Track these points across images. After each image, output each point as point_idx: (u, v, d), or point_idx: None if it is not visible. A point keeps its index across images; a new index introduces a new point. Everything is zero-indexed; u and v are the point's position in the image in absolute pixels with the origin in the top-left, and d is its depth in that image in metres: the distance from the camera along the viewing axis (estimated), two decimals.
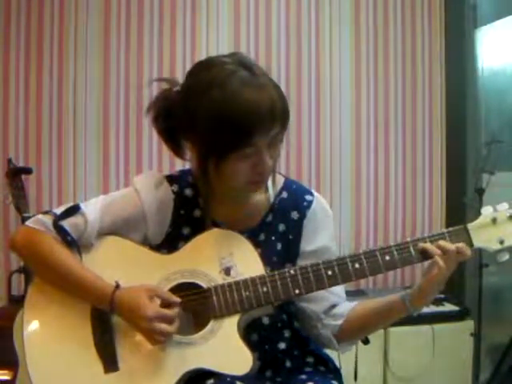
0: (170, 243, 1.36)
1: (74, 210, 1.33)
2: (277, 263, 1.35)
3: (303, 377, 1.37)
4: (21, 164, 2.77)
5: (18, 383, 2.15)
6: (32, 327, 1.32)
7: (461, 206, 3.01)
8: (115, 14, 3.00)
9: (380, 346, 2.79)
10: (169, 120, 1.32)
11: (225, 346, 1.27)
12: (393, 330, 2.78)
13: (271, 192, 1.40)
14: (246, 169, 1.26)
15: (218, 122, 1.21)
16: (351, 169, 3.22)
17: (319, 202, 1.43)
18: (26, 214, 2.31)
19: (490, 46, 3.19)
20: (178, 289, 1.31)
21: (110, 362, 1.28)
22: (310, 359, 1.43)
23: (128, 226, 1.36)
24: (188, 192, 1.39)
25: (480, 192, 2.74)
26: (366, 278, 2.08)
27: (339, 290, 1.40)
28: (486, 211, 1.30)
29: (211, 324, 1.28)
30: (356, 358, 1.53)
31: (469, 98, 3.21)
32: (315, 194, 1.44)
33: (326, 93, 3.19)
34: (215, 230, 1.34)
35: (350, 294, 1.47)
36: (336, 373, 1.44)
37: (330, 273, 1.28)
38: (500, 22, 3.12)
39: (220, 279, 1.30)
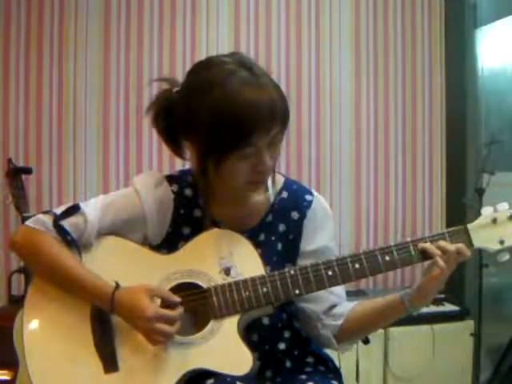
0: (169, 243, 1.36)
1: (73, 210, 1.33)
2: (277, 263, 1.35)
3: (303, 377, 1.37)
4: (21, 164, 2.77)
5: (18, 383, 2.15)
6: (32, 327, 1.32)
7: (461, 206, 3.00)
8: (115, 13, 3.00)
9: (380, 346, 2.79)
10: (169, 120, 1.32)
11: (225, 346, 1.27)
12: (393, 329, 2.78)
13: (271, 192, 1.40)
14: (245, 169, 1.26)
15: (218, 122, 1.21)
16: (351, 169, 3.22)
17: (319, 202, 1.42)
18: (25, 214, 2.31)
19: (490, 46, 3.19)
20: (177, 289, 1.31)
21: (109, 362, 1.28)
22: (310, 359, 1.43)
23: (128, 226, 1.36)
24: (188, 192, 1.39)
25: (480, 192, 2.74)
26: (366, 278, 2.08)
27: (339, 290, 1.40)
28: (486, 211, 1.30)
29: (211, 324, 1.28)
30: (357, 358, 1.53)
31: (469, 97, 3.21)
32: (315, 193, 1.44)
33: (325, 93, 3.19)
34: (215, 230, 1.34)
35: (350, 294, 1.47)
36: (336, 373, 1.44)
37: (330, 273, 1.28)
38: (500, 22, 3.12)
39: (220, 279, 1.30)
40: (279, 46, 3.14)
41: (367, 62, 3.23)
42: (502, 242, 1.28)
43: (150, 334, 1.24)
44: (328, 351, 1.46)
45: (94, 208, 1.35)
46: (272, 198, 1.40)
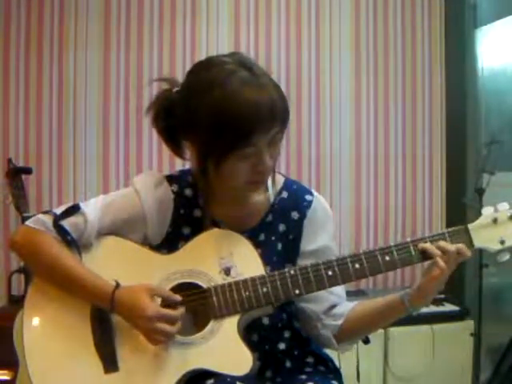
0: (169, 243, 1.36)
1: (73, 210, 1.33)
2: (277, 263, 1.35)
3: (303, 377, 1.37)
4: (21, 164, 2.77)
5: (18, 383, 2.15)
6: (32, 327, 1.32)
7: (461, 205, 3.00)
8: (115, 13, 3.00)
9: (380, 346, 2.80)
10: (169, 120, 1.32)
11: (225, 346, 1.27)
12: (393, 329, 2.78)
13: (271, 192, 1.40)
14: (245, 168, 1.26)
15: (218, 122, 1.21)
16: (351, 169, 3.22)
17: (319, 202, 1.42)
18: (25, 214, 2.31)
19: (490, 46, 3.19)
20: (177, 289, 1.31)
21: (109, 362, 1.28)
22: (310, 359, 1.43)
23: (128, 226, 1.36)
24: (188, 192, 1.38)
25: (480, 192, 2.74)
26: (366, 278, 2.08)
27: (339, 290, 1.40)
28: (487, 211, 1.30)
29: (211, 324, 1.28)
30: (357, 358, 1.53)
31: (469, 97, 3.21)
32: (315, 193, 1.44)
33: (325, 93, 3.19)
34: (215, 230, 1.34)
35: (350, 294, 1.47)
36: (336, 373, 1.44)
37: (330, 273, 1.28)
38: (500, 22, 3.12)
39: (220, 279, 1.30)
40: (279, 45, 3.14)
41: (367, 62, 3.23)
42: (502, 242, 1.27)
43: (151, 334, 1.24)
44: (328, 351, 1.46)
45: (94, 208, 1.35)
46: (272, 198, 1.40)
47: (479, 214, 1.30)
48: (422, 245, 1.27)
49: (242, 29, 3.11)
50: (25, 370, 1.29)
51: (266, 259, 1.33)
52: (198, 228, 1.35)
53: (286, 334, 1.41)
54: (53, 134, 2.96)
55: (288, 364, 1.39)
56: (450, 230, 1.29)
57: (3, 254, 2.88)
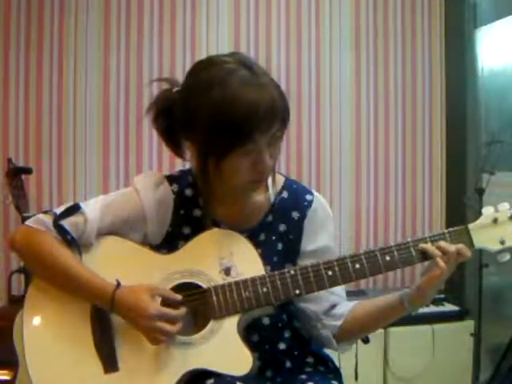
0: (170, 243, 1.36)
1: (74, 210, 1.33)
2: (277, 263, 1.35)
3: (303, 377, 1.37)
4: (21, 164, 2.78)
5: (18, 383, 2.15)
6: (32, 327, 1.32)
7: (461, 205, 3.00)
8: (115, 13, 3.00)
9: (380, 346, 2.80)
10: (169, 120, 1.32)
11: (225, 346, 1.27)
12: (393, 330, 2.79)
13: (271, 192, 1.40)
14: (246, 168, 1.26)
15: (218, 122, 1.21)
16: (351, 169, 3.22)
17: (319, 202, 1.42)
18: (25, 214, 2.30)
19: (490, 46, 3.19)
20: (177, 289, 1.30)
21: (109, 362, 1.28)
22: (310, 359, 1.43)
23: (128, 226, 1.36)
24: (188, 192, 1.38)
25: (480, 192, 2.74)
26: (367, 279, 2.08)
27: (339, 289, 1.40)
28: (487, 211, 1.29)
29: (211, 324, 1.28)
30: (356, 358, 1.53)
31: (469, 98, 3.21)
32: (315, 193, 1.44)
33: (325, 93, 3.19)
34: (215, 230, 1.34)
35: (350, 294, 1.47)
36: (336, 373, 1.44)
37: (330, 273, 1.28)
38: (500, 22, 3.12)
39: (220, 279, 1.30)
40: (279, 45, 3.14)
41: (367, 62, 3.23)
42: (502, 242, 1.27)
43: (151, 333, 1.24)
44: (328, 351, 1.46)
45: (94, 208, 1.35)
46: (272, 198, 1.40)
47: (479, 214, 1.30)
48: (422, 245, 1.27)
49: (242, 29, 3.11)
50: (25, 369, 1.29)
51: (266, 259, 1.33)
52: (198, 228, 1.35)
53: (286, 334, 1.41)
54: (53, 134, 2.96)
55: (288, 364, 1.39)
56: (450, 230, 1.29)
57: (3, 254, 2.87)
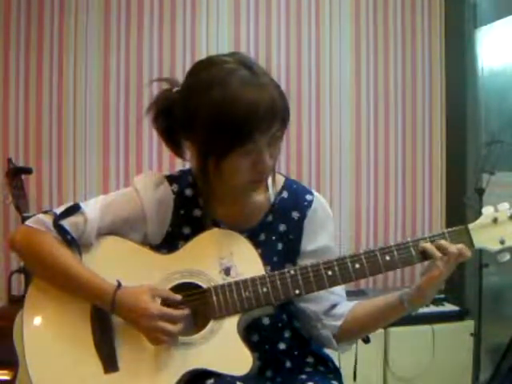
0: (169, 243, 1.36)
1: (74, 210, 1.33)
2: (277, 263, 1.35)
3: (303, 377, 1.37)
4: (21, 164, 2.78)
5: (18, 383, 2.15)
6: (32, 327, 1.32)
7: (461, 205, 3.00)
8: (115, 13, 3.00)
9: (380, 346, 2.80)
10: (169, 120, 1.32)
11: (225, 346, 1.26)
12: (393, 330, 2.79)
13: (271, 192, 1.40)
14: (246, 168, 1.26)
15: (218, 122, 1.20)
16: (351, 169, 3.22)
17: (319, 202, 1.42)
18: (25, 214, 2.31)
19: (490, 46, 3.19)
20: (177, 289, 1.30)
21: (109, 363, 1.28)
22: (310, 359, 1.43)
23: (128, 226, 1.36)
24: (188, 192, 1.38)
25: (480, 192, 2.74)
26: (366, 278, 2.08)
27: (339, 289, 1.40)
28: (487, 211, 1.29)
29: (211, 324, 1.28)
30: (355, 358, 1.53)
31: (469, 98, 3.21)
32: (315, 193, 1.44)
33: (325, 93, 3.19)
34: (215, 230, 1.34)
35: (350, 294, 1.47)
36: (336, 373, 1.44)
37: (330, 273, 1.28)
38: (500, 22, 3.12)
39: (220, 279, 1.30)
40: (279, 45, 3.14)
41: (367, 62, 3.23)
42: (502, 242, 1.27)
43: (152, 333, 1.24)
44: (328, 351, 1.46)
45: (94, 208, 1.35)
46: (272, 198, 1.40)
47: (479, 214, 1.30)
48: (422, 245, 1.27)
49: (242, 28, 3.11)
50: (25, 369, 1.29)
51: (266, 259, 1.33)
52: (198, 228, 1.35)
53: (286, 334, 1.41)
54: (53, 134, 2.96)
55: (288, 364, 1.39)
56: (449, 230, 1.28)
57: (3, 254, 2.87)
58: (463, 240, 1.27)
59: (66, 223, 1.32)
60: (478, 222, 1.29)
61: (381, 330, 2.74)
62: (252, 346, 1.27)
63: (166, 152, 1.40)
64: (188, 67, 1.32)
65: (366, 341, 1.46)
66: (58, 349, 1.30)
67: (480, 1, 3.22)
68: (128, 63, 3.02)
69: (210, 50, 3.04)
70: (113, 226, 1.36)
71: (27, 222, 1.35)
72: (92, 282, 1.29)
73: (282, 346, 1.39)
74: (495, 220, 1.28)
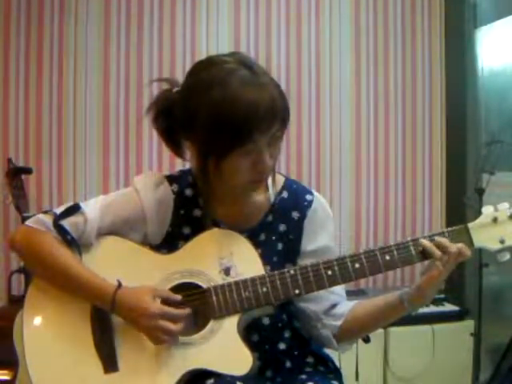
0: (169, 243, 1.36)
1: (74, 210, 1.33)
2: (277, 263, 1.35)
3: (303, 377, 1.37)
4: (21, 164, 2.78)
5: (18, 383, 2.15)
6: (32, 327, 1.32)
7: (461, 205, 3.00)
8: (115, 13, 3.00)
9: (380, 345, 2.80)
10: (169, 120, 1.32)
11: (225, 346, 1.26)
12: (393, 330, 2.79)
13: (271, 192, 1.40)
14: (246, 167, 1.26)
15: (219, 121, 1.20)
16: (351, 169, 3.22)
17: (319, 202, 1.42)
18: (25, 214, 2.31)
19: (490, 46, 3.19)
20: (177, 289, 1.31)
21: (109, 363, 1.28)
22: (310, 359, 1.43)
23: (128, 226, 1.36)
24: (188, 192, 1.38)
25: (480, 192, 2.74)
26: (366, 278, 2.08)
27: (339, 289, 1.40)
28: (487, 210, 1.29)
29: (211, 324, 1.28)
30: (357, 358, 1.53)
31: (469, 98, 3.21)
32: (315, 193, 1.44)
33: (325, 93, 3.19)
34: (215, 230, 1.34)
35: (350, 294, 1.47)
36: (336, 373, 1.44)
37: (329, 273, 1.28)
38: (500, 22, 3.12)
39: (220, 279, 1.30)
40: (279, 45, 3.14)
41: (367, 62, 3.23)
42: (502, 242, 1.27)
43: (153, 332, 1.24)
44: (328, 351, 1.46)
45: (94, 208, 1.35)
46: (272, 198, 1.40)
47: (479, 214, 1.30)
48: (422, 244, 1.27)
49: (242, 28, 3.11)
50: (25, 369, 1.29)
51: (266, 259, 1.33)
52: (198, 228, 1.35)
53: (286, 334, 1.40)
54: (53, 134, 2.96)
55: (288, 364, 1.39)
56: (449, 229, 1.28)
57: (3, 254, 2.87)
58: (463, 239, 1.27)
59: (66, 223, 1.32)
60: (477, 221, 1.29)
61: (381, 330, 2.74)
62: (252, 345, 1.27)
63: (166, 152, 1.40)
64: (188, 67, 1.32)
65: (366, 340, 1.46)
66: (58, 349, 1.30)
67: (480, 1, 3.22)
68: (128, 63, 3.02)
69: (209, 49, 3.04)
70: (113, 226, 1.36)
71: (27, 222, 1.35)
72: (92, 281, 1.29)
73: (282, 345, 1.39)
74: (495, 219, 1.28)
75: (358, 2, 3.22)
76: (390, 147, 3.26)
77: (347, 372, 1.52)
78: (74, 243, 1.32)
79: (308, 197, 1.41)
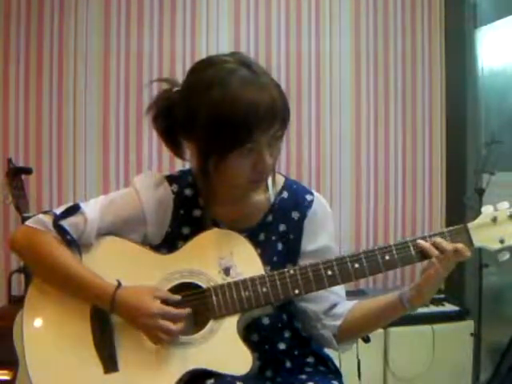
0: (169, 243, 1.36)
1: (73, 210, 1.33)
2: (277, 263, 1.35)
3: (303, 377, 1.37)
4: (21, 164, 2.77)
5: (18, 383, 2.15)
6: (32, 327, 1.32)
7: (461, 205, 3.01)
8: (115, 13, 3.00)
9: (380, 345, 2.80)
10: (169, 120, 1.32)
11: (225, 346, 1.26)
12: (393, 330, 2.79)
13: (271, 192, 1.40)
14: (246, 167, 1.26)
15: (219, 121, 1.20)
16: (351, 169, 3.22)
17: (319, 202, 1.42)
18: (25, 214, 2.31)
19: (490, 46, 3.19)
20: (177, 289, 1.31)
21: (109, 363, 1.28)
22: (311, 359, 1.43)
23: (127, 226, 1.36)
24: (188, 192, 1.38)
25: (480, 192, 2.74)
26: (366, 278, 2.08)
27: (339, 289, 1.40)
28: (487, 210, 1.29)
29: (211, 324, 1.28)
30: (358, 357, 1.53)
31: (469, 98, 3.21)
32: (315, 193, 1.44)
33: (325, 93, 3.19)
34: (215, 230, 1.34)
35: (350, 294, 1.47)
36: (336, 373, 1.44)
37: (329, 273, 1.28)
38: (500, 22, 3.12)
39: (219, 279, 1.30)
40: (279, 45, 3.14)
41: (367, 62, 3.23)
42: (502, 241, 1.27)
43: (152, 331, 1.24)
44: (328, 351, 1.46)
45: (94, 208, 1.35)
46: (272, 198, 1.40)
47: (479, 214, 1.30)
48: (420, 244, 1.27)
49: (242, 28, 3.11)
50: (25, 370, 1.29)
51: (266, 259, 1.33)
52: (197, 228, 1.35)
53: (286, 334, 1.41)
54: (53, 134, 2.96)
55: (288, 364, 1.39)
56: (449, 229, 1.28)
57: (3, 254, 2.87)
58: (462, 239, 1.27)
59: (66, 223, 1.32)
60: (477, 221, 1.29)
61: (381, 330, 2.74)
62: (252, 345, 1.27)
63: (166, 152, 1.40)
64: (188, 67, 1.32)
65: (366, 340, 1.46)
66: (58, 349, 1.30)
67: (480, 1, 3.22)
68: (128, 63, 3.02)
69: (209, 50, 3.04)
70: (113, 226, 1.36)
71: (27, 222, 1.35)
72: (92, 281, 1.29)
73: (281, 345, 1.39)
74: (495, 219, 1.28)
75: (358, 2, 3.22)
76: (390, 147, 3.26)
77: (347, 372, 1.51)
78: (74, 243, 1.32)
79: (308, 197, 1.41)
